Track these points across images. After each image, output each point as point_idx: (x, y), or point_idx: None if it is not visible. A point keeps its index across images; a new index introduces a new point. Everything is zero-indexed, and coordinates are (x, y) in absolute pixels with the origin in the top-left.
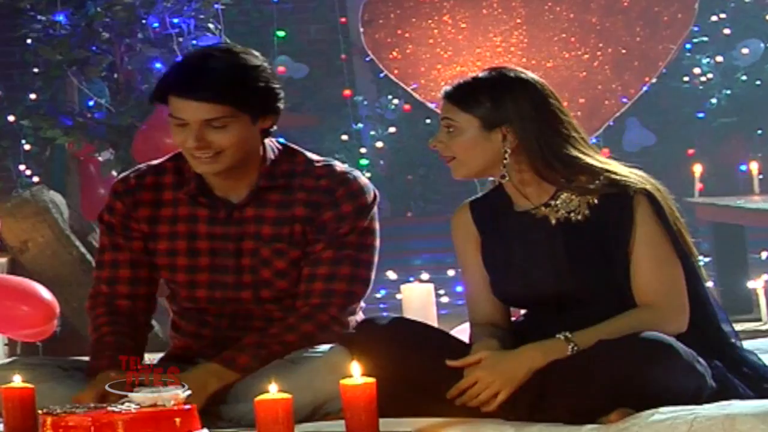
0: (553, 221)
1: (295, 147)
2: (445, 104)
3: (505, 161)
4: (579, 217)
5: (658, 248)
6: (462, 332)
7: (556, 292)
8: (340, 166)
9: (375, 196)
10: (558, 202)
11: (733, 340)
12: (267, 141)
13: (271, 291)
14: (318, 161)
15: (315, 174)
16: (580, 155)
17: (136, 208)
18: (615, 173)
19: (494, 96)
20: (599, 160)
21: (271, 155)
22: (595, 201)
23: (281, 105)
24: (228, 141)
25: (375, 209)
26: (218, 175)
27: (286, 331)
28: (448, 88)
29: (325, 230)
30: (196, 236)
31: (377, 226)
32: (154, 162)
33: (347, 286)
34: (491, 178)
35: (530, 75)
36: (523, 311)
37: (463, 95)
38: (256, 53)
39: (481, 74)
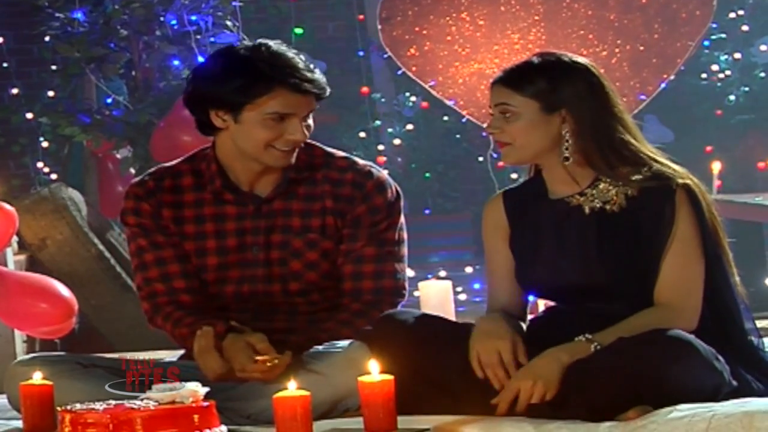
0: (587, 210)
1: (309, 140)
2: (500, 89)
3: (567, 144)
4: (614, 207)
5: (690, 246)
6: None
7: (582, 283)
8: (359, 159)
9: (396, 188)
10: (594, 191)
11: (752, 338)
12: None
13: (299, 283)
14: (336, 153)
15: (337, 166)
16: (632, 140)
17: (160, 209)
18: (661, 164)
19: (553, 79)
20: (648, 148)
21: None
22: (635, 192)
23: None
24: (311, 130)
25: (401, 202)
26: (255, 167)
27: (341, 325)
28: (501, 73)
29: (361, 225)
30: (225, 234)
31: (403, 219)
32: (167, 165)
33: (394, 283)
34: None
35: (583, 59)
36: (542, 309)
37: (521, 79)
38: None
39: (534, 59)
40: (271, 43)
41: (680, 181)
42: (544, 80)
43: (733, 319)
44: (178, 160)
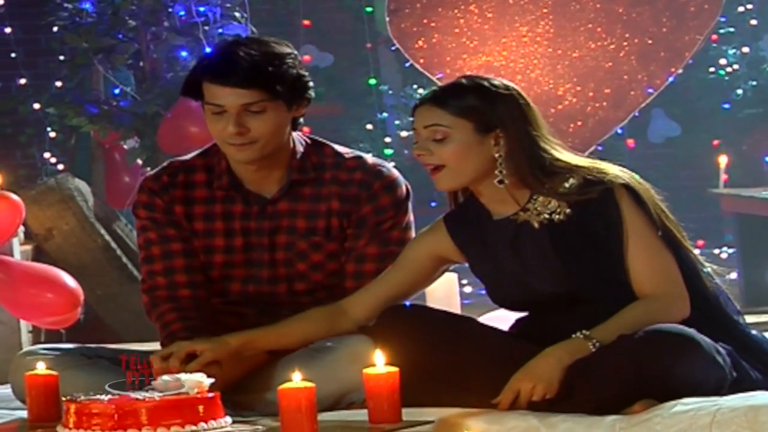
0: (536, 224)
1: (321, 139)
2: (429, 109)
3: (500, 166)
4: (561, 216)
5: (648, 238)
6: (487, 321)
7: (554, 294)
8: (370, 158)
9: (407, 187)
10: (536, 205)
11: (740, 323)
12: (294, 134)
13: (305, 284)
14: (347, 153)
15: (346, 166)
16: (561, 157)
17: (173, 204)
18: (593, 170)
19: (486, 99)
20: (575, 159)
21: (299, 147)
22: (575, 198)
23: (312, 94)
24: (266, 127)
25: (410, 202)
26: (251, 167)
27: None
28: (430, 94)
29: (365, 224)
30: (232, 233)
31: (412, 217)
32: (182, 159)
33: None
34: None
35: (511, 83)
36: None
37: (454, 99)
38: (285, 42)
39: (463, 80)
40: (244, 37)
41: (616, 181)
42: (477, 100)
43: (712, 306)
44: (193, 154)
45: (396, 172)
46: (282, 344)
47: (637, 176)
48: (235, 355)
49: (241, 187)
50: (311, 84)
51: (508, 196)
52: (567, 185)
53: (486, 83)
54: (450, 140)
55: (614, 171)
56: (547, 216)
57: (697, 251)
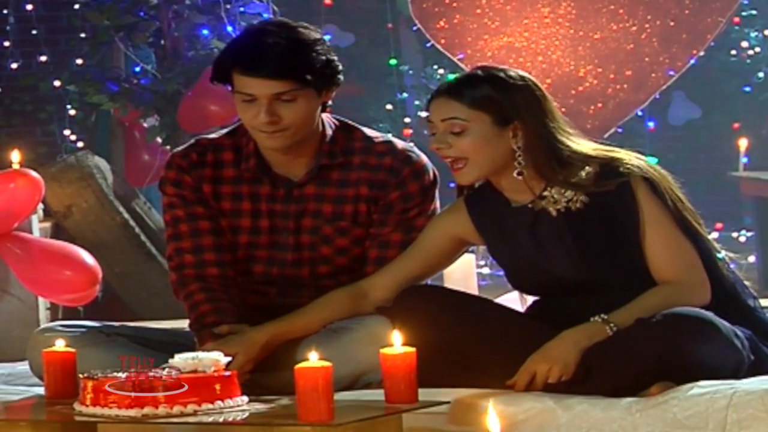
0: (554, 213)
1: (350, 122)
2: (445, 102)
3: (519, 157)
4: (578, 204)
5: (666, 226)
6: (505, 302)
7: (572, 280)
8: (399, 142)
9: (435, 173)
10: (553, 192)
11: (757, 309)
12: (324, 116)
13: (329, 267)
14: (376, 137)
15: (376, 151)
16: (576, 148)
17: (201, 183)
18: (610, 159)
19: (503, 91)
20: (590, 147)
21: (328, 131)
22: (592, 187)
23: (341, 78)
24: (297, 114)
25: (437, 188)
26: (279, 151)
27: None
28: (445, 86)
29: (392, 210)
30: (259, 214)
31: (439, 204)
32: (209, 137)
33: None
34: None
35: (526, 74)
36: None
37: (470, 91)
38: (311, 27)
39: (479, 71)
40: (271, 22)
41: (633, 171)
42: (494, 91)
43: (729, 293)
44: (220, 132)
45: (425, 158)
46: (307, 332)
47: (654, 163)
48: (263, 350)
49: (269, 169)
50: (340, 68)
51: (524, 185)
52: (583, 174)
53: (502, 74)
54: (468, 133)
55: (631, 160)
56: (564, 204)
57: (714, 235)
